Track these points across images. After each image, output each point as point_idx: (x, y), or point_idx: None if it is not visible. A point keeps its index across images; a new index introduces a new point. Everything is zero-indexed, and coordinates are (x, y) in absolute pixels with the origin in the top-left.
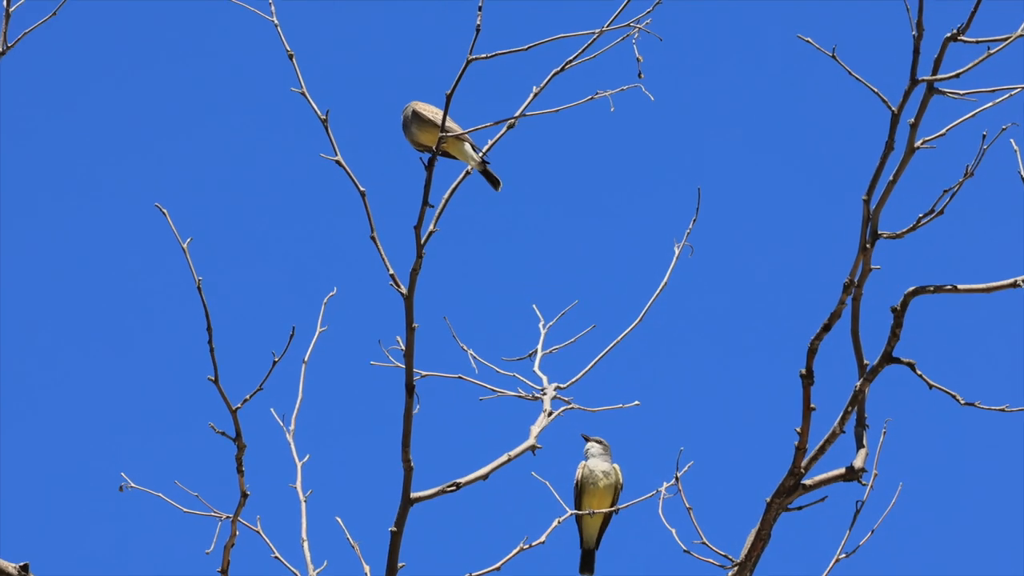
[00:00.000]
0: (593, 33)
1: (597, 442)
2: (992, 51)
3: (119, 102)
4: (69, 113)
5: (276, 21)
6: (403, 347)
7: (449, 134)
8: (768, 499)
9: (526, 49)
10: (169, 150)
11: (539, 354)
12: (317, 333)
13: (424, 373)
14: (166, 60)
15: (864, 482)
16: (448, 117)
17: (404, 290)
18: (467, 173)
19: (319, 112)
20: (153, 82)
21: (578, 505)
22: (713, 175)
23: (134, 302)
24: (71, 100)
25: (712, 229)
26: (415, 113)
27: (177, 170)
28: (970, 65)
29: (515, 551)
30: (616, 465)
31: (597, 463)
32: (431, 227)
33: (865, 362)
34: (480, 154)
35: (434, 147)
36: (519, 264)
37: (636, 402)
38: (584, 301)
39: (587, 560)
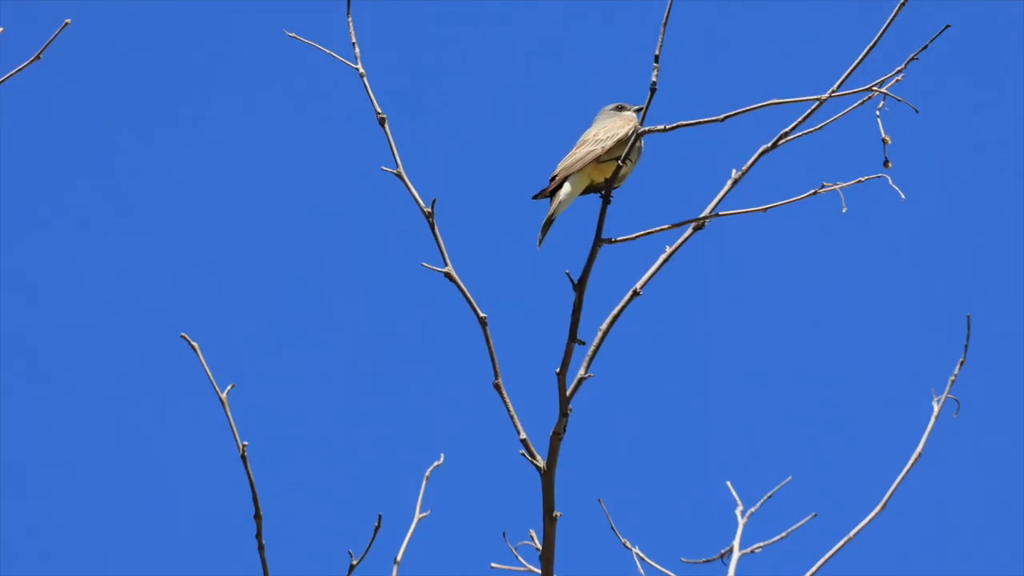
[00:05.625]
0: (815, 100)
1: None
2: None
3: (211, 116)
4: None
5: (362, 71)
6: (538, 545)
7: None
8: None
9: (722, 120)
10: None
11: (735, 554)
12: (416, 519)
13: None
14: (259, 73)
15: None
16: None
17: (542, 463)
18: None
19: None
20: (245, 101)
21: None
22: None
23: None
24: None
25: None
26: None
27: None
28: None
29: None
30: None
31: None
32: (581, 372)
33: None
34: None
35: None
36: (690, 409)
37: None
38: (797, 472)
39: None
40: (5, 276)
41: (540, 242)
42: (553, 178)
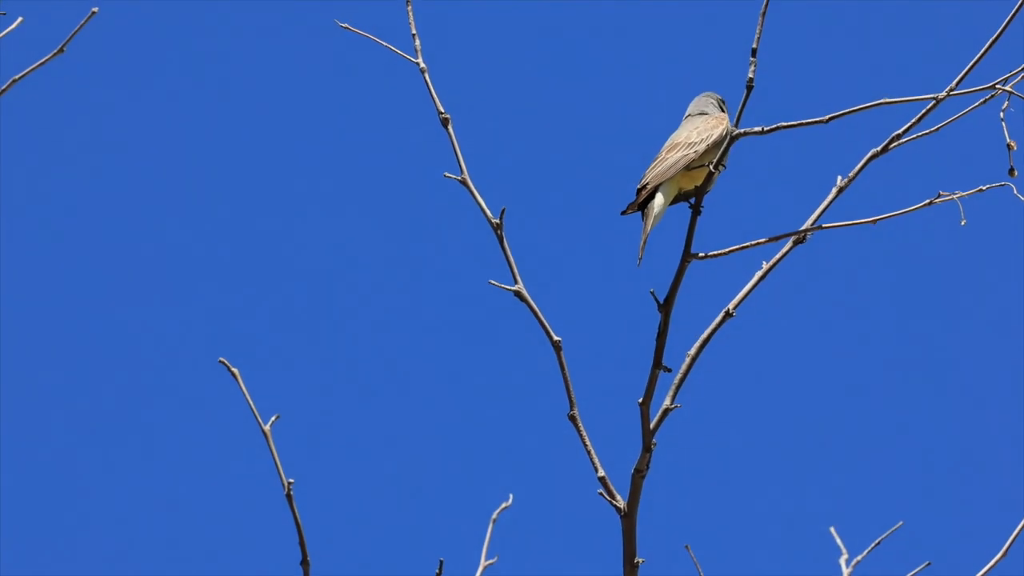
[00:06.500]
0: (931, 99)
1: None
2: None
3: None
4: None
5: (424, 66)
6: None
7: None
8: None
9: (826, 121)
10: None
11: None
12: (482, 566)
13: None
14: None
15: None
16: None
17: (622, 504)
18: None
19: None
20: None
21: None
22: None
23: None
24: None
25: None
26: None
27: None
28: None
29: None
30: None
31: None
32: (666, 402)
33: None
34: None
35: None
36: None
37: None
38: (908, 516)
39: None
40: (18, 282)
41: (640, 260)
42: (641, 188)
